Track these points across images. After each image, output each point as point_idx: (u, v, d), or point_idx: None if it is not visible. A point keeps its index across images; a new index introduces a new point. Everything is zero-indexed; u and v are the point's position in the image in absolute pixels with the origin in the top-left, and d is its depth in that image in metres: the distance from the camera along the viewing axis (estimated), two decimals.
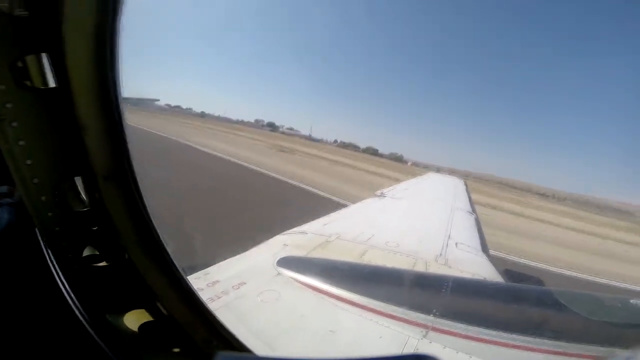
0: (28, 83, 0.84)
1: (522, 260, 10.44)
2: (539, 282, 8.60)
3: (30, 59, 0.83)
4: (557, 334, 1.93)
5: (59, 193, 0.96)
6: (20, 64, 0.82)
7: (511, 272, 8.60)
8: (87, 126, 0.87)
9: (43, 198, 0.93)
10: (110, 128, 0.89)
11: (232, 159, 22.12)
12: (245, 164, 20.82)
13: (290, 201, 13.68)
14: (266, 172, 19.43)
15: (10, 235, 1.44)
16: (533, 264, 10.35)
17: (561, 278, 9.69)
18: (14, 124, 0.84)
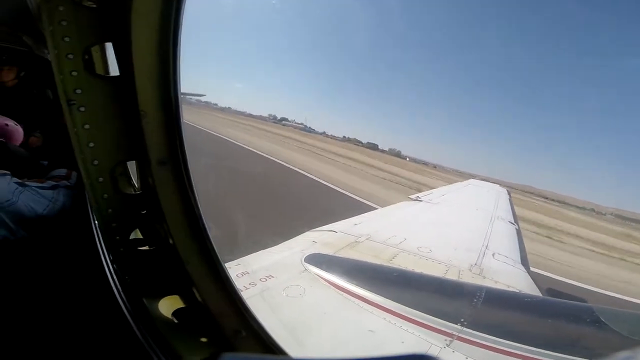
0: (96, 71, 0.92)
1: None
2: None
3: (98, 48, 0.91)
4: (595, 354, 1.78)
5: (114, 176, 1.02)
6: (90, 52, 0.90)
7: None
8: (146, 113, 0.91)
9: (100, 179, 0.99)
10: (167, 115, 0.94)
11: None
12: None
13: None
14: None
15: (66, 216, 1.59)
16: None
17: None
18: (82, 109, 0.91)
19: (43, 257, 1.40)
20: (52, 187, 1.55)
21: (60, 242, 1.45)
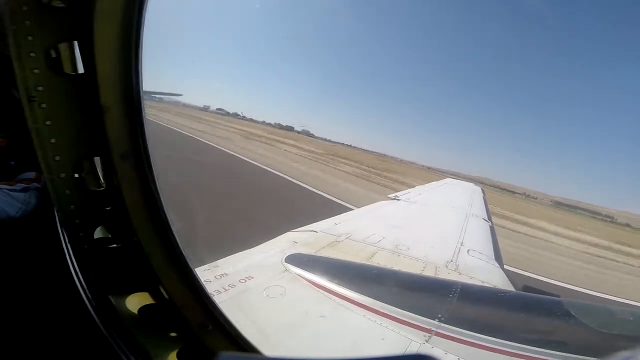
0: (64, 69, 0.92)
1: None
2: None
3: (62, 46, 0.90)
4: (565, 346, 1.87)
5: (78, 172, 1.02)
6: (53, 51, 0.90)
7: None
8: (108, 108, 0.93)
9: (62, 175, 0.99)
10: (129, 110, 0.95)
11: None
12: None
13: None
14: None
15: (37, 218, 1.53)
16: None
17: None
18: (43, 105, 0.92)
19: (16, 260, 1.36)
20: (24, 190, 1.50)
21: (29, 245, 1.40)
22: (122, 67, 0.92)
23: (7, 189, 1.45)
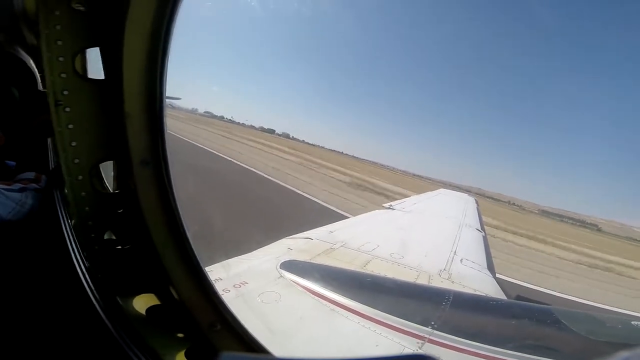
0: (84, 73, 0.96)
1: None
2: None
3: (89, 52, 0.96)
4: (556, 353, 1.90)
5: (93, 174, 1.05)
6: (81, 56, 0.95)
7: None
8: (131, 115, 0.95)
9: (80, 177, 1.02)
10: (152, 117, 0.97)
11: None
12: None
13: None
14: None
15: (34, 218, 1.53)
16: None
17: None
18: (67, 109, 0.95)
19: (13, 261, 1.35)
20: (20, 190, 1.48)
21: (29, 245, 1.39)
22: (148, 75, 0.93)
23: (2, 189, 1.44)
